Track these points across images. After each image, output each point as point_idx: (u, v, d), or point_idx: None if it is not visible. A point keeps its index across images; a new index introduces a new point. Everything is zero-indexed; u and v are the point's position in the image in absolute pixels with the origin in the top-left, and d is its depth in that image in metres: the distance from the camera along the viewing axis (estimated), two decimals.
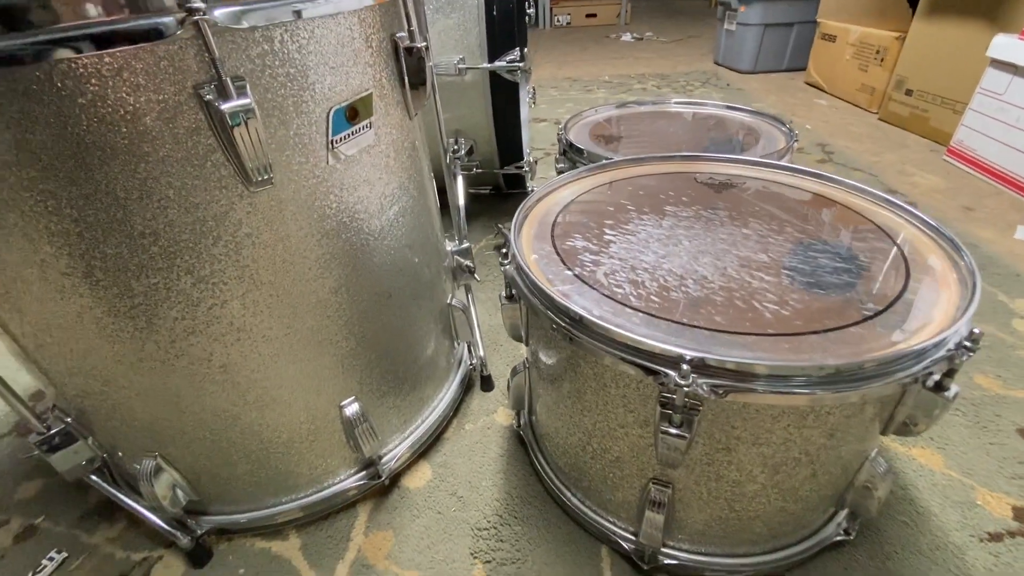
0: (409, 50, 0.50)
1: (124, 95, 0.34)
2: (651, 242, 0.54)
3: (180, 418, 0.49)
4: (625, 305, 0.45)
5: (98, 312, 0.41)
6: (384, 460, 0.63)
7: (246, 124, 0.37)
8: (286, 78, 0.40)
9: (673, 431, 0.40)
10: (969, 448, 0.66)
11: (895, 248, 0.51)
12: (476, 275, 0.78)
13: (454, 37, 0.95)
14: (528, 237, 0.56)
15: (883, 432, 0.45)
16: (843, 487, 0.51)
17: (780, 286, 0.46)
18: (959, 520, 0.58)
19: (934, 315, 0.42)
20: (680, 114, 1.07)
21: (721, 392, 0.37)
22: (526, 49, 0.97)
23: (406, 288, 0.59)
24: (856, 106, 2.00)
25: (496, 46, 0.95)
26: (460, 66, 0.94)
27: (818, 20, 2.21)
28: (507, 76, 0.97)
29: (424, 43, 0.51)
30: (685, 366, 0.37)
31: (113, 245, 0.38)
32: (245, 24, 0.35)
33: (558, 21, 4.71)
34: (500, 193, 1.36)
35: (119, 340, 0.43)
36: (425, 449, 0.69)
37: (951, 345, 0.39)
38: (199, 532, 0.57)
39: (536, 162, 1.63)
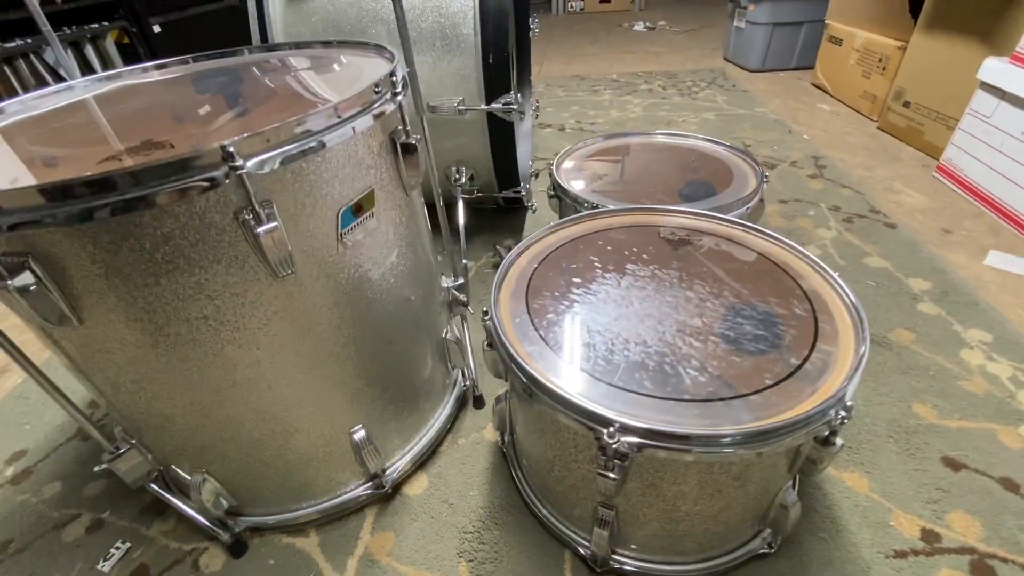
0: (406, 145, 0.60)
1: (185, 223, 0.45)
2: (608, 303, 0.63)
3: (223, 445, 0.61)
4: (577, 367, 0.55)
5: (161, 373, 0.53)
6: (388, 472, 0.75)
7: (272, 235, 0.48)
8: (303, 195, 0.50)
9: (610, 474, 0.51)
10: (895, 473, 0.76)
11: (812, 317, 0.60)
12: (469, 308, 0.89)
13: (455, 80, 1.04)
14: (507, 295, 0.67)
15: (790, 471, 0.56)
16: (763, 511, 0.61)
17: (705, 352, 0.56)
18: (871, 538, 0.68)
19: (826, 384, 0.52)
20: (664, 147, 1.15)
21: (638, 449, 0.48)
22: (520, 94, 1.05)
23: (405, 333, 0.70)
24: (858, 112, 2.03)
25: (492, 89, 1.03)
26: (460, 108, 1.03)
27: (827, 22, 2.21)
28: (502, 116, 1.05)
29: (418, 136, 0.61)
30: (612, 428, 0.48)
31: (174, 327, 0.49)
32: (267, 169, 0.46)
33: (571, 7, 4.67)
34: (500, 208, 1.45)
35: (177, 391, 0.55)
36: (424, 461, 0.81)
37: (831, 414, 0.49)
38: (237, 529, 0.70)
39: (537, 175, 1.72)
